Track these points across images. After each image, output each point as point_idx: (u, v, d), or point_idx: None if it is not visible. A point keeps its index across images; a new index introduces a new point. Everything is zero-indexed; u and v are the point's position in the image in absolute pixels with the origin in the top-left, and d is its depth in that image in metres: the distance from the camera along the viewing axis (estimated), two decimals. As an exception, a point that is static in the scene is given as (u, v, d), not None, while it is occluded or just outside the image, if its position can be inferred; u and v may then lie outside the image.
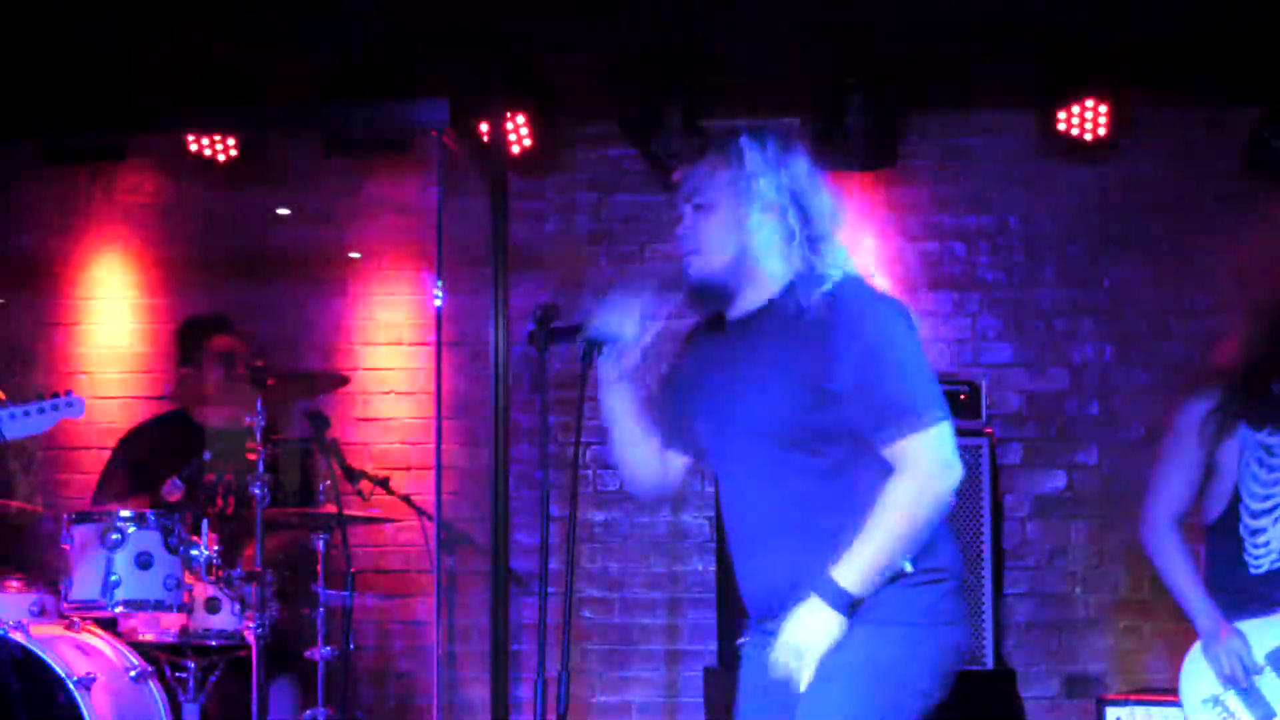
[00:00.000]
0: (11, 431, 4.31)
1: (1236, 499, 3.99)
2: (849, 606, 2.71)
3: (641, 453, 3.08)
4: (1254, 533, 3.96)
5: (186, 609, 4.74)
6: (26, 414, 4.31)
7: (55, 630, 4.65)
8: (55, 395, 4.44)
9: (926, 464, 2.73)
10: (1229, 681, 3.93)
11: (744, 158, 2.86)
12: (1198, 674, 4.01)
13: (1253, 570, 3.97)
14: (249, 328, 5.65)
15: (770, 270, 2.87)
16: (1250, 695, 3.92)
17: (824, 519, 2.78)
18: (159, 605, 4.69)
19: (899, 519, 2.73)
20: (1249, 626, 3.96)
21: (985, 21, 5.41)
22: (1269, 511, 3.95)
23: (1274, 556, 3.94)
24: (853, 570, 2.71)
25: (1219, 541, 4.04)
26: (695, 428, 3.02)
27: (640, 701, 6.15)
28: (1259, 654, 3.94)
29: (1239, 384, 4.04)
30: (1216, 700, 3.96)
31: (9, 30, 5.32)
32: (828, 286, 2.82)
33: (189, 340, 5.55)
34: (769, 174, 2.86)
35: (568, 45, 5.67)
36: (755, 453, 2.86)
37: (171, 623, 4.77)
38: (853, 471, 2.80)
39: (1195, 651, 4.03)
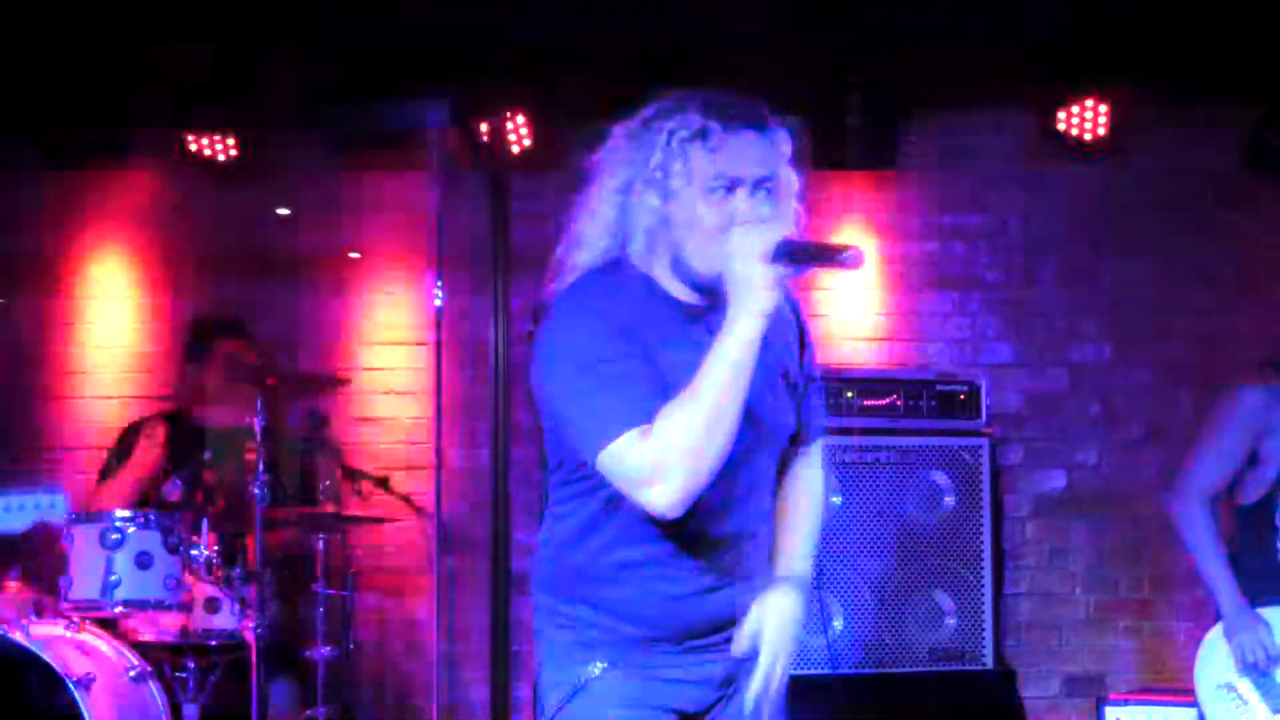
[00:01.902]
0: None
1: (1277, 487, 3.98)
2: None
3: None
4: None
5: (186, 609, 4.74)
6: (6, 509, 4.21)
7: (55, 630, 4.64)
8: (44, 491, 4.38)
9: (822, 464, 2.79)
10: (1249, 669, 3.92)
11: (786, 139, 2.57)
12: (1214, 659, 4.00)
13: None
14: (248, 328, 5.65)
15: None
16: (1266, 684, 3.91)
17: (771, 522, 2.71)
18: (159, 605, 4.69)
19: (819, 511, 2.75)
20: (1271, 614, 3.95)
21: (985, 21, 5.41)
22: None
23: None
24: (806, 559, 2.69)
25: (1250, 526, 4.03)
26: None
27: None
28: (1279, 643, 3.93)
29: None
30: (1231, 687, 3.95)
31: (9, 31, 5.32)
32: None
33: (198, 340, 5.55)
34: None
35: (568, 45, 5.67)
36: (757, 457, 2.59)
37: (171, 623, 4.77)
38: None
39: (1214, 635, 4.02)
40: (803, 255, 2.39)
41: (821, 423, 2.78)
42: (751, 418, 2.49)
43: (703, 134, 2.46)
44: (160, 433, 5.23)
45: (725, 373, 2.34)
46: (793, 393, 2.68)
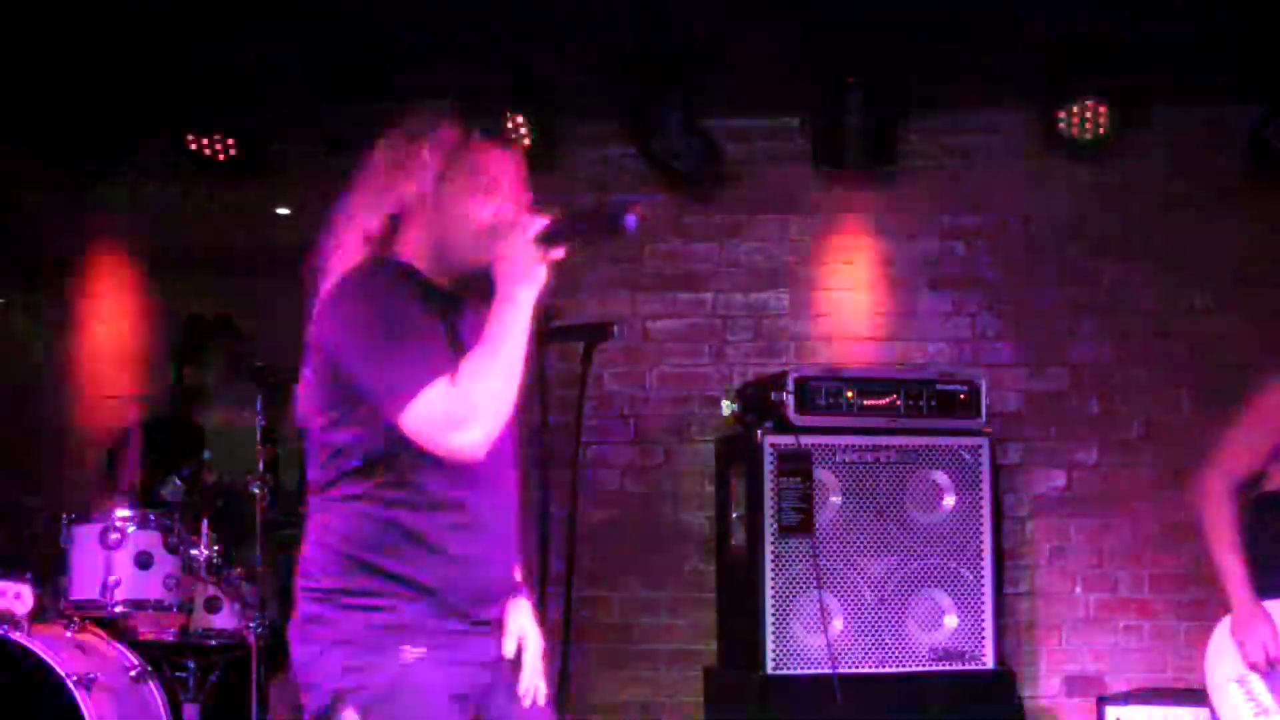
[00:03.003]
0: None
1: None
2: None
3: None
4: None
5: (186, 609, 4.75)
6: None
7: (55, 630, 4.65)
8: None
9: None
10: (1252, 665, 3.92)
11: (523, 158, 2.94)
12: (1224, 651, 3.99)
13: None
14: (249, 327, 5.65)
15: None
16: (1273, 678, 3.91)
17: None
18: (159, 605, 4.70)
19: None
20: (1276, 607, 3.94)
21: (985, 21, 5.41)
22: None
23: None
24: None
25: (1266, 514, 4.02)
26: None
27: (640, 701, 6.14)
28: None
29: None
30: (1241, 680, 3.95)
31: (9, 32, 5.32)
32: None
33: (192, 339, 5.56)
34: None
35: (567, 45, 5.67)
36: (506, 440, 2.75)
37: (171, 623, 4.77)
38: None
39: (1223, 628, 4.01)
40: (567, 232, 2.67)
41: None
42: None
43: (465, 143, 2.81)
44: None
45: (511, 333, 2.62)
46: None
